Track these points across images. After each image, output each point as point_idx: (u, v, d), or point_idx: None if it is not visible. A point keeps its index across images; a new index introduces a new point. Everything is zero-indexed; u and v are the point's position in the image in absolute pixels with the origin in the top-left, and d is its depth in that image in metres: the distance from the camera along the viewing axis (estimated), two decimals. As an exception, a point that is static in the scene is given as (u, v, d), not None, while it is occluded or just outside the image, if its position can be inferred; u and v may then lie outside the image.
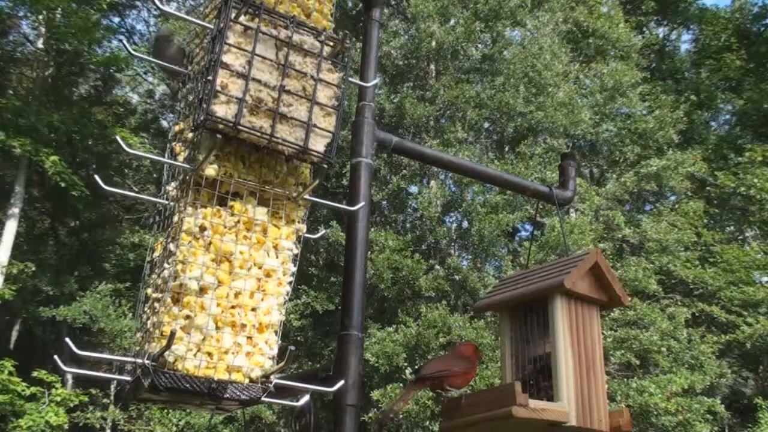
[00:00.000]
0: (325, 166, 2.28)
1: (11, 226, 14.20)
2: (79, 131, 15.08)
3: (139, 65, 17.07)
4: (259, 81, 2.09)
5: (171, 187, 2.29)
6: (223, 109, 2.01)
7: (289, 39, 2.17)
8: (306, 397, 2.19)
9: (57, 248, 17.62)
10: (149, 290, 2.19)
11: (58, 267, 16.37)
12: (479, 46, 15.34)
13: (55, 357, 2.11)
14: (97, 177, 2.37)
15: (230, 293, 2.06)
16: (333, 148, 2.20)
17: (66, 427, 12.93)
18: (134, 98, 20.27)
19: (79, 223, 17.57)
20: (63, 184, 13.90)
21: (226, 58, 2.05)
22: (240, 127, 2.03)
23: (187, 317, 1.98)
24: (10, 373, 12.35)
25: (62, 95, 16.05)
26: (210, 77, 2.04)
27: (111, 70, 16.87)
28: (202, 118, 2.02)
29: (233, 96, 2.03)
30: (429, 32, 14.32)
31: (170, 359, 1.92)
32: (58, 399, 12.87)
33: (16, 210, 14.42)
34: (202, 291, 2.01)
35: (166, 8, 2.27)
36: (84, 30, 14.20)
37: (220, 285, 2.04)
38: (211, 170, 2.09)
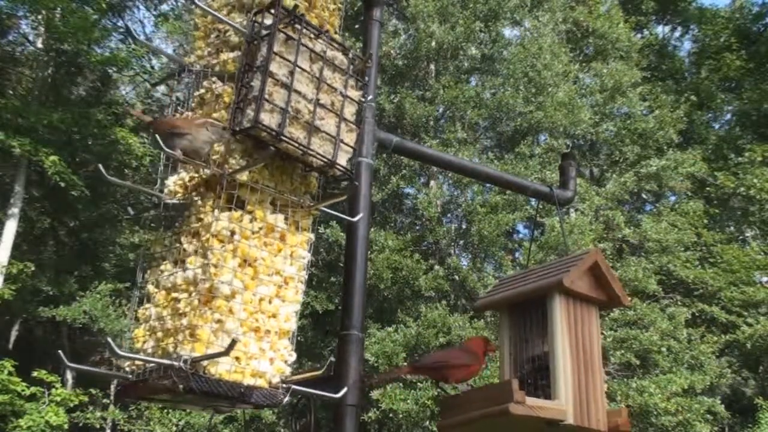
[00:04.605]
0: (356, 183, 2.38)
1: (11, 226, 14.19)
2: (78, 131, 15.06)
3: (138, 65, 17.06)
4: (299, 92, 2.12)
5: (171, 182, 2.29)
6: (267, 117, 2.04)
7: (324, 53, 2.21)
8: (286, 398, 2.19)
9: (57, 248, 17.61)
10: (151, 287, 2.19)
11: (57, 267, 16.35)
12: (479, 45, 15.34)
13: (59, 352, 2.11)
14: (100, 166, 2.38)
15: (254, 299, 2.08)
16: (354, 162, 2.28)
17: (66, 427, 12.92)
18: (133, 98, 20.27)
19: (79, 223, 17.54)
20: (63, 184, 13.89)
21: (271, 67, 2.07)
22: (282, 138, 2.06)
23: (218, 321, 1.99)
24: (10, 373, 12.34)
25: (61, 95, 16.03)
26: (252, 83, 2.06)
27: (110, 71, 16.85)
28: (247, 124, 2.04)
29: (277, 105, 2.06)
30: (429, 32, 14.32)
31: (204, 362, 1.93)
32: (58, 399, 12.87)
33: (16, 210, 14.41)
34: (231, 295, 2.03)
35: (201, 4, 2.28)
36: (83, 30, 14.20)
37: (246, 290, 2.06)
38: (243, 175, 2.11)
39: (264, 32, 2.12)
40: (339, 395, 2.20)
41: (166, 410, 13.61)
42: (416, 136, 14.29)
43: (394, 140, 2.80)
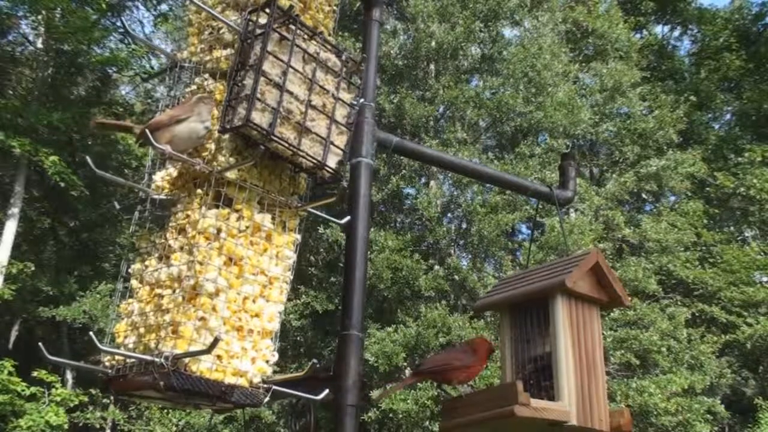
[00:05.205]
0: (345, 185, 2.39)
1: (11, 226, 14.19)
2: (78, 131, 15.06)
3: (138, 65, 17.05)
4: (291, 93, 2.12)
5: (158, 178, 2.28)
6: (258, 117, 2.04)
7: (317, 55, 2.21)
8: (267, 398, 2.17)
9: (57, 248, 17.60)
10: (135, 282, 2.18)
11: (57, 267, 16.35)
12: (479, 45, 15.33)
13: (40, 344, 2.10)
14: (88, 159, 2.37)
15: (239, 297, 2.07)
16: (344, 165, 2.27)
17: (66, 427, 12.91)
18: (132, 97, 20.27)
19: (79, 223, 17.55)
20: (63, 184, 13.89)
21: (265, 66, 2.07)
22: (273, 137, 2.05)
23: (202, 318, 1.98)
24: (10, 373, 12.34)
25: (61, 95, 16.03)
26: (244, 82, 2.06)
27: (110, 71, 16.86)
28: (238, 122, 2.03)
29: (269, 105, 2.06)
30: (429, 32, 14.31)
31: (185, 360, 1.92)
32: (58, 399, 12.86)
33: (16, 210, 14.41)
34: (215, 293, 2.02)
35: (196, 0, 2.27)
36: (83, 30, 14.19)
37: (230, 288, 2.06)
38: (232, 174, 2.10)
39: (258, 31, 2.11)
40: (319, 397, 2.18)
41: (166, 410, 13.61)
42: (416, 137, 14.28)
43: (394, 140, 2.79)
